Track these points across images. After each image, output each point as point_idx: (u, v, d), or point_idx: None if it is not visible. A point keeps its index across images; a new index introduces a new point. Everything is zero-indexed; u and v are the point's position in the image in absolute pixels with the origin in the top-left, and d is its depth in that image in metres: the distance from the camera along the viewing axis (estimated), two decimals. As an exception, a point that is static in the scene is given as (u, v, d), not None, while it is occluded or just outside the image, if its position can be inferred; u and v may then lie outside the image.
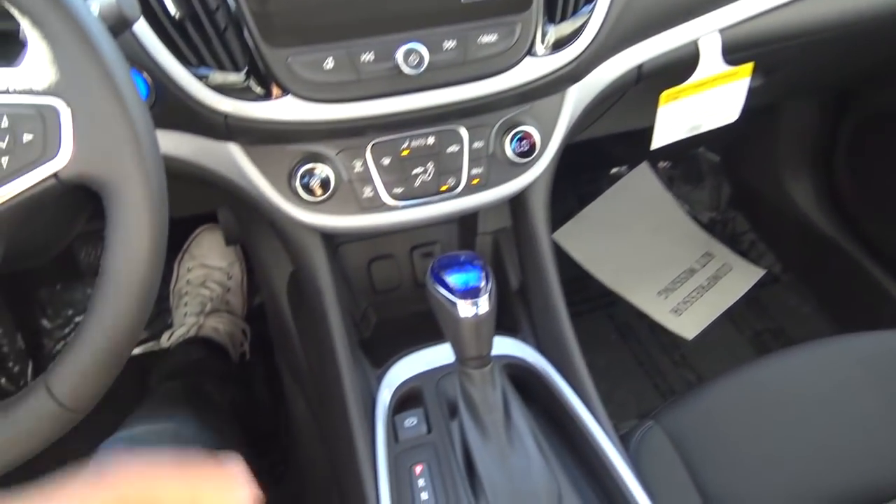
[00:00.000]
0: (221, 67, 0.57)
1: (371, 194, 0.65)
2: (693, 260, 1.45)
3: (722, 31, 0.76)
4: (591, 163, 1.52)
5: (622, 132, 1.24)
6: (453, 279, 0.57)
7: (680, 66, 0.76)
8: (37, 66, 0.42)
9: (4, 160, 0.43)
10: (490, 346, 0.59)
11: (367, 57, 0.58)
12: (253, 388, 1.19)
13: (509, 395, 0.62)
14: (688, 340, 1.32)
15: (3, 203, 0.43)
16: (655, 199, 1.53)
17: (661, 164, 1.56)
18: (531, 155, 0.67)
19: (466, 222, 0.85)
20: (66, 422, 0.48)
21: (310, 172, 0.63)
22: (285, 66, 0.57)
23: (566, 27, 0.64)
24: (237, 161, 0.63)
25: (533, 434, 0.61)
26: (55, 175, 0.43)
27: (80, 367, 0.46)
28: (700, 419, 0.78)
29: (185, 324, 1.18)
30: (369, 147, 0.64)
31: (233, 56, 0.57)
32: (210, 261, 1.28)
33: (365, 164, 0.64)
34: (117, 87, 0.42)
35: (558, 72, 0.64)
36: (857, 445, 0.76)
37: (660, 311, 1.37)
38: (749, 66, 0.80)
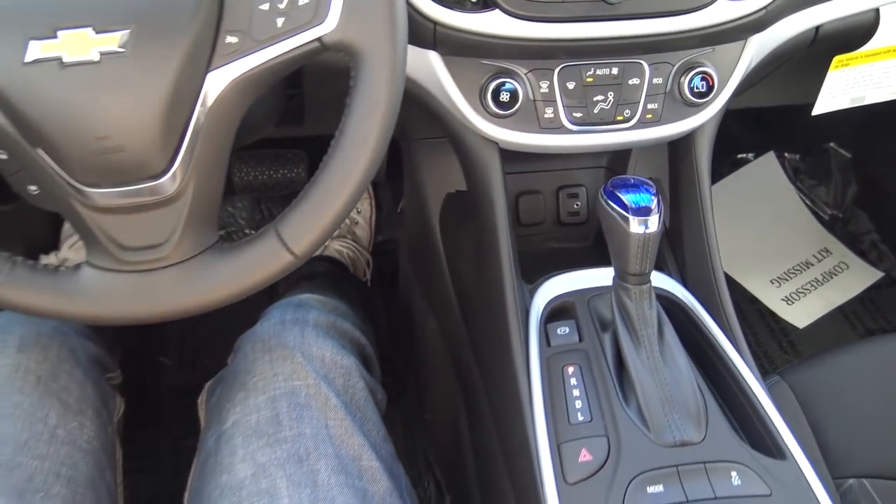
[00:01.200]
0: (440, -22, 0.63)
1: (552, 115, 0.69)
2: (810, 254, 1.44)
3: (904, 1, 0.77)
4: (719, 145, 1.53)
5: (753, 115, 1.25)
6: (627, 197, 0.61)
7: (856, 33, 0.78)
8: None
9: (280, 20, 0.49)
10: (652, 265, 0.62)
11: (574, -18, 0.62)
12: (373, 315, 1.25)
13: (662, 316, 0.66)
14: (798, 329, 1.32)
15: (273, 59, 0.50)
16: (778, 189, 1.53)
17: (788, 156, 1.55)
18: (707, 96, 0.70)
19: (616, 168, 0.88)
20: (288, 265, 0.54)
21: (500, 87, 0.67)
22: (498, -19, 0.62)
23: (758, -23, 0.67)
24: (435, 69, 0.68)
25: (683, 353, 0.64)
26: (319, 39, 0.49)
27: (308, 216, 0.53)
28: (827, 380, 0.79)
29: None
30: (557, 70, 0.68)
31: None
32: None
33: (551, 85, 0.69)
34: None
35: (744, 18, 0.67)
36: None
37: (771, 298, 1.37)
38: (924, 42, 0.80)
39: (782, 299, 1.37)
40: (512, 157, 0.75)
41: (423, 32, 0.65)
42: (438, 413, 0.70)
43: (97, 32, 0.46)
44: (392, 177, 1.31)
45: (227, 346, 0.73)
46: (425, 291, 0.99)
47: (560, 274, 0.75)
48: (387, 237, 1.36)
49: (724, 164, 1.55)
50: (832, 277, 1.41)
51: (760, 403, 0.63)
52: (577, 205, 0.90)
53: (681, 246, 0.79)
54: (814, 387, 0.78)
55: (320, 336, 0.66)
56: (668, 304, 0.72)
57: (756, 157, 1.56)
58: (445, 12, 0.63)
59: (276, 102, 0.76)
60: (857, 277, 1.40)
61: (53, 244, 1.14)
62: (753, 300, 1.37)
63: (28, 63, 0.45)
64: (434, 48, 0.67)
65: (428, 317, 0.98)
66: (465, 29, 0.64)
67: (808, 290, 1.38)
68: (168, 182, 0.50)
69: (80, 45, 0.46)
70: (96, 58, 0.46)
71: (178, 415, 1.10)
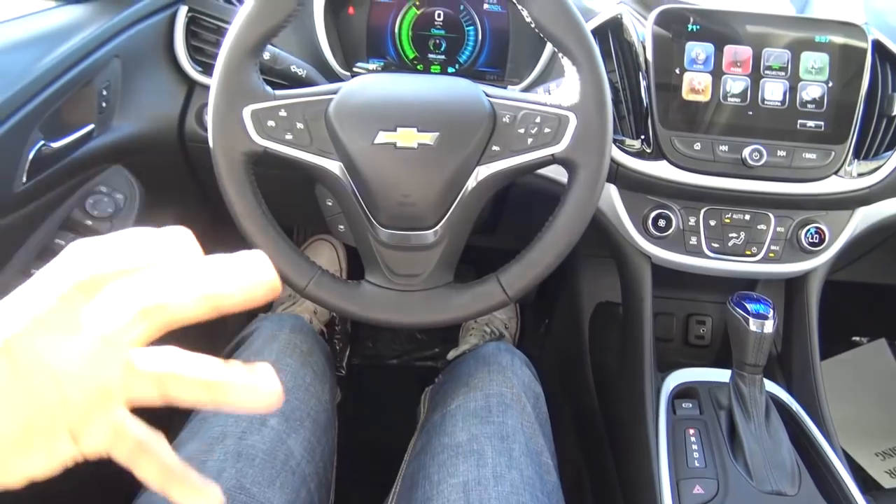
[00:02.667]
0: (627, 135, 0.89)
1: (695, 243, 0.92)
2: (917, 436, 1.52)
3: None
4: (834, 327, 1.68)
5: (868, 300, 1.41)
6: (750, 306, 0.81)
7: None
8: (565, 90, 0.74)
9: (530, 140, 0.74)
10: (765, 360, 0.81)
11: (723, 147, 0.87)
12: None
13: (770, 403, 0.83)
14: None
15: (519, 163, 0.75)
16: (888, 373, 1.63)
17: (900, 344, 1.67)
18: (819, 246, 0.91)
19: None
20: (502, 303, 0.77)
21: (659, 216, 0.91)
22: (669, 141, 0.87)
23: (868, 165, 0.89)
24: (612, 198, 0.93)
25: (785, 432, 0.81)
26: (553, 155, 0.74)
27: (526, 268, 0.76)
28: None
29: (468, 342, 1.48)
30: (703, 210, 0.92)
31: (635, 130, 0.89)
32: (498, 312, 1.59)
33: (697, 221, 0.92)
34: (606, 116, 0.73)
35: (854, 193, 0.89)
36: None
37: (876, 469, 1.45)
38: None
39: (885, 472, 1.45)
40: (656, 283, 0.96)
41: (609, 170, 0.90)
42: (565, 488, 0.87)
43: (420, 131, 0.72)
44: (538, 301, 1.56)
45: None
46: (565, 387, 1.19)
47: (686, 367, 0.94)
48: (527, 354, 1.58)
49: (839, 342, 1.69)
50: (938, 461, 1.47)
51: (847, 484, 0.78)
52: (702, 330, 1.10)
53: (790, 365, 0.96)
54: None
55: (524, 366, 0.88)
56: (776, 404, 0.89)
57: (869, 341, 1.69)
58: (627, 158, 0.89)
59: (486, 205, 1.03)
60: (964, 466, 1.46)
61: (268, 304, 1.45)
62: (857, 469, 1.45)
63: (375, 144, 0.73)
64: (615, 183, 0.92)
65: (563, 408, 1.17)
66: (640, 171, 0.89)
67: (912, 468, 1.46)
68: (432, 233, 0.75)
69: (408, 137, 0.72)
70: (416, 146, 0.72)
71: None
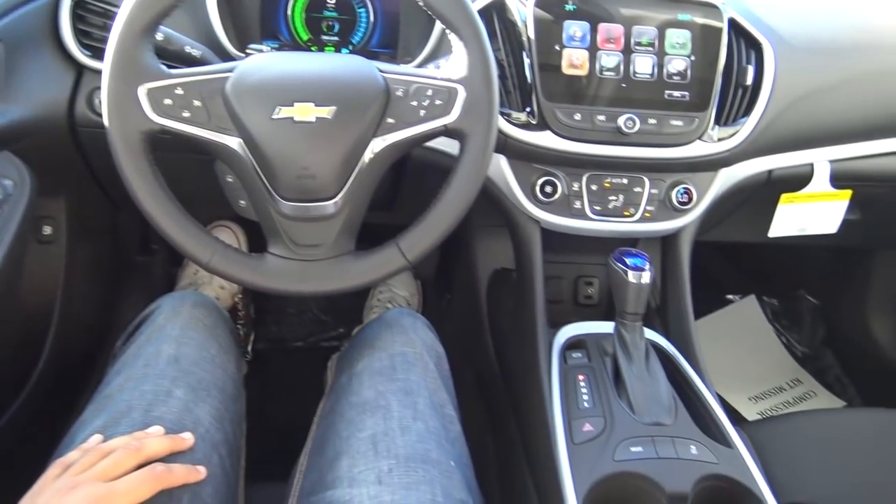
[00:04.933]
0: (513, 108, 0.95)
1: (579, 206, 1.00)
2: (783, 381, 1.69)
3: (831, 161, 1.09)
4: (710, 286, 1.83)
5: (738, 262, 1.55)
6: (628, 260, 0.89)
7: (798, 179, 1.09)
8: (454, 65, 0.78)
9: (422, 112, 0.78)
10: (644, 308, 0.89)
11: (601, 117, 0.95)
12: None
13: (649, 348, 0.91)
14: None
15: (413, 135, 0.79)
16: (758, 327, 1.80)
17: (767, 300, 1.84)
18: (688, 205, 1.00)
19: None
20: (402, 267, 0.81)
21: (545, 183, 0.98)
22: (552, 112, 0.94)
23: (726, 130, 0.99)
24: (502, 168, 0.99)
25: (663, 372, 0.89)
26: (445, 125, 0.78)
27: (420, 234, 0.80)
28: (778, 433, 1.02)
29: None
30: (585, 176, 0.99)
31: (521, 103, 0.95)
32: (397, 288, 1.63)
33: (580, 186, 1.00)
34: (492, 87, 0.79)
35: (716, 155, 0.99)
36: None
37: (748, 411, 1.60)
38: (847, 193, 1.11)
39: (757, 413, 1.60)
40: (547, 248, 1.03)
41: (498, 142, 0.96)
42: (471, 441, 0.93)
43: (317, 106, 0.75)
44: (438, 277, 1.61)
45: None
46: (466, 350, 1.25)
47: (575, 322, 1.01)
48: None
49: (713, 301, 1.84)
50: (801, 402, 1.64)
51: (717, 415, 0.88)
52: (590, 290, 1.19)
53: (666, 314, 1.06)
54: (765, 436, 1.01)
55: (426, 328, 0.93)
56: (656, 349, 0.98)
57: (741, 298, 1.85)
58: (515, 129, 0.96)
59: (383, 182, 1.06)
60: (823, 404, 1.63)
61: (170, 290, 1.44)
62: (733, 411, 1.60)
63: (273, 119, 0.75)
64: (504, 153, 0.98)
65: (466, 370, 1.24)
66: (526, 142, 0.96)
67: (780, 408, 1.61)
68: (333, 204, 0.77)
69: (306, 111, 0.75)
70: (314, 120, 0.75)
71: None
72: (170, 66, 0.76)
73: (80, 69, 0.99)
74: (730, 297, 1.86)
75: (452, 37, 0.77)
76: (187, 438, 0.72)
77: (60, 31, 0.96)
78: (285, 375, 1.59)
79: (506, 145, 0.97)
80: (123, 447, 0.65)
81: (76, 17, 0.96)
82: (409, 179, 1.09)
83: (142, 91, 0.74)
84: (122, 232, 1.39)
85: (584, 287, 1.18)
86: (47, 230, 1.16)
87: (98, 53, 0.97)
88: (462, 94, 0.77)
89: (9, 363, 1.13)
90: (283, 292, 0.81)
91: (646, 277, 0.88)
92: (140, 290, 1.45)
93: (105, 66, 0.73)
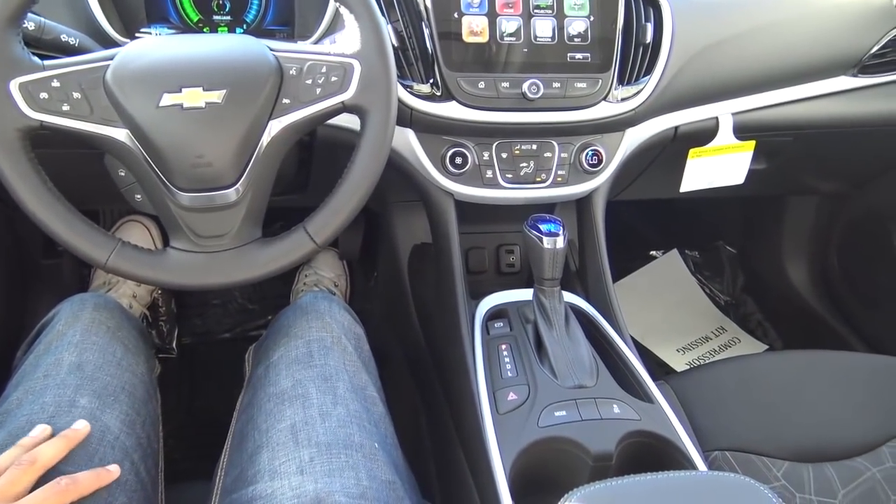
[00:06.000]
0: (416, 80, 0.93)
1: (491, 175, 0.99)
2: (709, 330, 1.74)
3: (734, 114, 1.11)
4: (634, 244, 1.86)
5: (659, 217, 1.58)
6: (543, 226, 0.89)
7: (704, 134, 1.11)
8: (348, 39, 0.76)
9: (318, 90, 0.76)
10: (560, 273, 0.90)
11: (505, 84, 0.94)
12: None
13: (569, 312, 0.92)
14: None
15: (311, 114, 0.76)
16: (682, 279, 1.84)
17: (689, 253, 1.88)
18: (598, 167, 1.01)
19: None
20: (312, 251, 0.79)
21: (455, 154, 0.97)
22: (455, 82, 0.93)
23: (630, 89, 0.99)
24: (410, 142, 0.97)
25: (583, 335, 0.90)
26: (342, 102, 0.76)
27: (328, 216, 0.78)
28: (699, 382, 1.05)
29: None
30: (495, 144, 0.99)
31: (424, 75, 0.93)
32: (322, 271, 1.61)
33: (490, 155, 0.99)
34: (387, 60, 0.77)
35: (621, 115, 0.99)
36: (814, 419, 1.01)
37: (676, 362, 1.65)
38: (751, 144, 1.14)
39: (685, 364, 1.64)
40: (463, 219, 1.03)
41: (403, 115, 0.94)
42: (404, 419, 0.93)
43: (206, 90, 0.72)
44: (364, 257, 1.59)
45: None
46: (393, 327, 1.24)
47: (496, 292, 1.01)
48: (359, 308, 1.62)
49: (638, 258, 1.88)
50: (727, 349, 1.69)
51: (638, 371, 0.89)
52: (512, 259, 1.19)
53: (585, 276, 1.07)
54: (689, 387, 1.04)
55: (343, 310, 0.91)
56: (576, 312, 0.99)
57: (664, 253, 1.89)
58: (419, 102, 0.94)
59: (292, 164, 1.04)
60: (747, 349, 1.69)
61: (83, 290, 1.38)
62: (662, 364, 1.64)
63: (160, 107, 0.71)
64: (410, 127, 0.97)
65: (395, 348, 1.23)
66: (432, 113, 0.94)
67: (706, 357, 1.67)
68: (233, 192, 0.75)
69: (195, 97, 0.71)
70: (203, 106, 0.72)
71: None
72: (44, 58, 0.72)
73: None
74: (653, 253, 1.90)
75: (343, 10, 0.75)
76: (81, 429, 0.69)
77: None
78: (213, 369, 1.56)
79: (411, 118, 0.95)
80: (15, 464, 0.61)
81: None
82: (318, 159, 1.06)
83: (14, 86, 0.69)
84: (23, 234, 1.32)
85: (505, 255, 1.18)
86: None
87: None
88: (357, 68, 0.75)
89: None
90: (189, 287, 0.78)
91: (560, 242, 0.88)
92: (50, 295, 1.38)
93: None
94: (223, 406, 0.98)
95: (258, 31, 1.02)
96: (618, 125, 1.01)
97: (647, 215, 1.91)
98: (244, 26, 1.02)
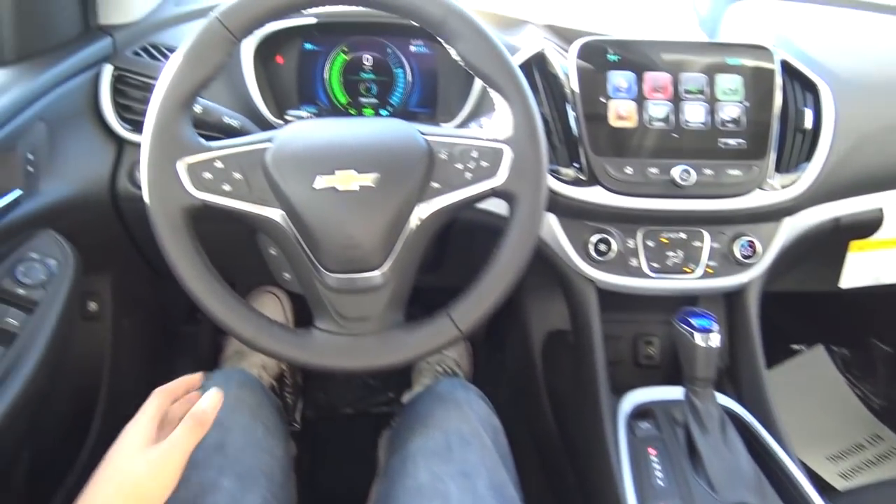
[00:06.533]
0: (560, 164, 0.91)
1: (636, 264, 0.94)
2: (861, 438, 1.57)
3: (905, 203, 1.02)
4: (773, 336, 1.73)
5: (804, 309, 1.46)
6: (695, 321, 0.83)
7: (867, 225, 1.02)
8: (498, 124, 0.75)
9: (468, 175, 0.75)
10: (714, 373, 0.83)
11: (653, 170, 0.90)
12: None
13: (724, 416, 0.84)
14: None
15: (460, 199, 0.75)
16: (828, 379, 1.69)
17: (836, 349, 1.73)
18: (752, 258, 0.94)
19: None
20: (455, 339, 0.77)
21: (599, 241, 0.94)
22: (602, 167, 0.90)
23: (788, 177, 0.93)
24: (553, 227, 0.95)
25: (741, 442, 0.82)
26: (492, 188, 0.74)
27: (472, 304, 0.76)
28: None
29: (421, 384, 1.46)
30: (640, 232, 0.94)
31: (569, 158, 0.91)
32: (445, 350, 1.58)
33: (636, 242, 0.94)
34: (539, 146, 0.75)
35: (779, 204, 0.93)
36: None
37: (828, 472, 1.49)
38: (927, 236, 1.04)
39: (838, 474, 1.48)
40: (602, 306, 0.98)
41: (548, 200, 0.92)
42: None
43: (358, 173, 0.72)
44: (488, 337, 1.56)
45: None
46: (522, 415, 1.19)
47: (640, 389, 0.95)
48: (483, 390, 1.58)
49: (779, 353, 1.74)
50: (885, 460, 1.52)
51: (805, 490, 0.80)
52: (651, 350, 1.12)
53: (738, 377, 0.99)
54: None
55: (480, 400, 0.88)
56: (730, 416, 0.90)
57: (807, 348, 1.74)
58: (563, 186, 0.91)
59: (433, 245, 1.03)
60: (909, 462, 1.52)
61: (215, 363, 1.41)
62: (812, 473, 1.49)
63: (315, 189, 0.72)
64: (553, 211, 0.94)
65: (523, 435, 1.17)
66: (576, 198, 0.92)
67: (862, 469, 1.50)
68: (380, 274, 0.74)
69: (348, 180, 0.72)
70: (356, 188, 0.72)
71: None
72: (208, 138, 0.75)
73: (120, 143, 0.98)
74: (795, 346, 1.76)
75: (495, 95, 0.74)
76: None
77: (101, 106, 0.96)
78: (335, 443, 1.55)
79: (555, 203, 0.92)
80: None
81: (116, 92, 0.96)
82: (456, 240, 1.05)
83: (181, 166, 0.72)
84: (168, 303, 1.38)
85: (643, 347, 1.12)
86: (92, 306, 1.15)
87: (138, 127, 0.96)
88: (508, 154, 0.74)
89: (57, 443, 1.10)
90: (333, 370, 0.77)
91: (714, 340, 0.82)
92: (187, 360, 1.43)
93: (144, 141, 0.72)
94: (346, 481, 0.96)
95: (403, 113, 1.03)
96: (774, 214, 0.95)
97: (788, 305, 1.77)
98: (389, 108, 1.04)
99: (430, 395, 0.89)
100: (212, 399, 0.68)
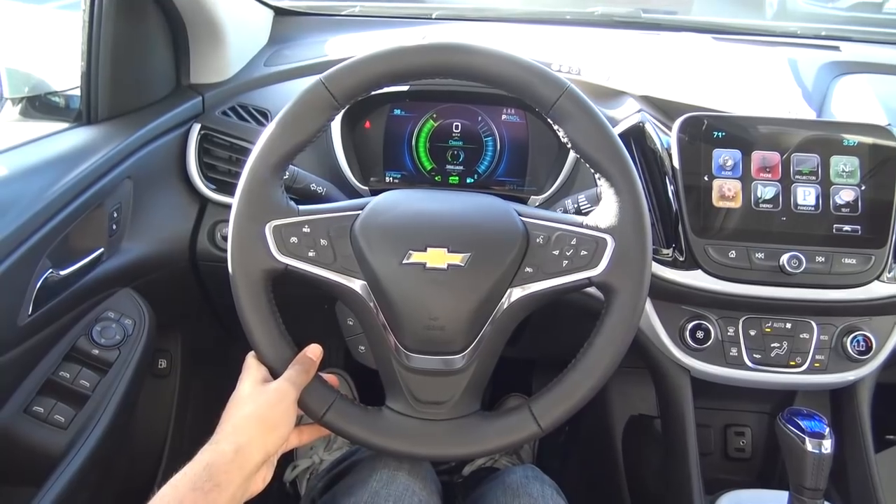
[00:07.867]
0: (657, 244, 0.86)
1: (736, 354, 0.88)
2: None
3: None
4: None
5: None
6: (804, 423, 0.76)
7: None
8: (604, 213, 0.70)
9: (565, 262, 0.70)
10: (825, 483, 0.75)
11: (759, 255, 0.84)
12: None
13: (834, 531, 0.76)
14: None
15: (553, 287, 0.70)
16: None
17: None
18: (866, 354, 0.86)
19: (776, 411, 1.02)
20: (534, 435, 0.71)
21: (696, 327, 0.87)
22: (703, 249, 0.84)
23: (909, 267, 0.86)
24: (646, 309, 0.89)
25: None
26: (590, 278, 0.69)
27: (556, 399, 0.70)
28: None
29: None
30: (742, 319, 0.88)
31: (666, 239, 0.86)
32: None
33: (736, 331, 0.88)
34: (645, 239, 0.69)
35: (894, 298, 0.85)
36: None
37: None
38: None
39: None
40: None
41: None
42: None
43: (450, 252, 0.69)
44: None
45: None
46: (596, 500, 1.12)
47: (736, 490, 0.87)
48: (545, 466, 1.50)
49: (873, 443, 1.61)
50: None
51: None
52: (742, 442, 1.04)
53: (846, 482, 0.90)
54: None
55: (556, 494, 0.81)
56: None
57: (904, 440, 1.61)
58: (660, 268, 0.86)
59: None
60: None
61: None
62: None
63: (403, 264, 0.69)
64: (648, 294, 0.88)
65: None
66: (673, 281, 0.86)
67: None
68: (461, 358, 0.70)
69: (438, 258, 0.69)
70: (446, 267, 0.69)
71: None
72: (296, 203, 0.73)
73: (203, 202, 0.97)
74: (890, 437, 1.63)
75: (603, 182, 0.70)
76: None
77: (187, 165, 0.95)
78: None
79: (650, 285, 0.87)
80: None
81: (202, 151, 0.96)
82: (538, 315, 1.00)
83: (269, 228, 0.70)
84: (237, 363, 1.35)
85: (734, 438, 1.04)
86: (162, 363, 1.13)
87: (222, 187, 0.95)
88: (611, 245, 0.69)
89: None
90: (400, 454, 0.73)
91: (827, 446, 0.74)
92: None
93: (235, 201, 0.70)
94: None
95: (488, 182, 1.00)
96: (893, 308, 0.87)
97: (880, 393, 1.65)
98: (475, 176, 1.00)
99: (502, 487, 0.82)
100: (315, 348, 0.73)
